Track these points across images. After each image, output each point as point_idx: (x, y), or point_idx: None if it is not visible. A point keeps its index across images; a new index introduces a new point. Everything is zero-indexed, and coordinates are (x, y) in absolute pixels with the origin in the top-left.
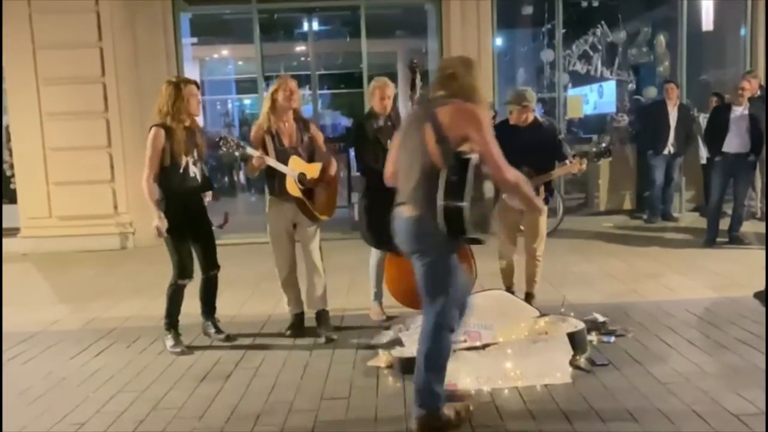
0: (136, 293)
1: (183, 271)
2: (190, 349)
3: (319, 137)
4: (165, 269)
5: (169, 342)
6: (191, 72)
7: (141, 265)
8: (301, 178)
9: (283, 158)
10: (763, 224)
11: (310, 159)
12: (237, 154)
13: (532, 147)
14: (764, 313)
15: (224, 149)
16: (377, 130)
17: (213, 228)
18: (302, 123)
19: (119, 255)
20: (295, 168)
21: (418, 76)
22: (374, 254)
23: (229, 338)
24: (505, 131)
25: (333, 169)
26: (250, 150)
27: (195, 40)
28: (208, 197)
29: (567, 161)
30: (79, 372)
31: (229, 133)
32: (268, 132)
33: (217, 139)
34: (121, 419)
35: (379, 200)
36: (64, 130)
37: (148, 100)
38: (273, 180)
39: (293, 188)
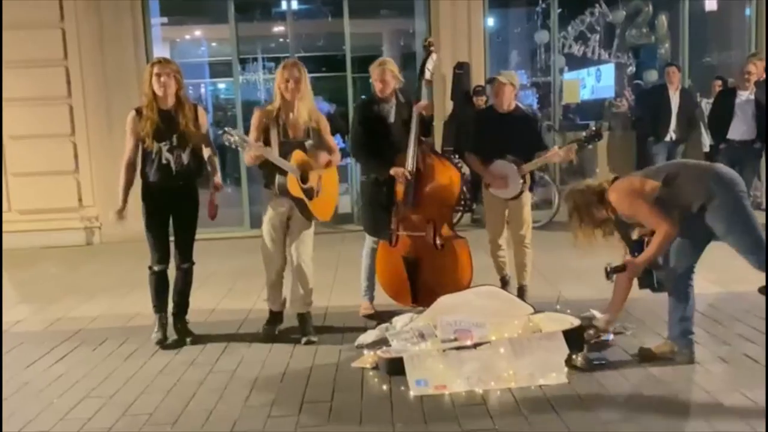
0: (103, 292)
1: (153, 257)
2: (168, 339)
3: (326, 129)
4: (133, 266)
5: (154, 327)
6: (161, 54)
7: (108, 262)
8: (304, 176)
9: (287, 151)
10: None
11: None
12: (240, 149)
13: (514, 135)
14: None
15: (226, 143)
16: (378, 114)
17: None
18: (311, 113)
19: (85, 251)
20: (298, 165)
21: (432, 57)
22: (368, 244)
23: (196, 341)
24: (487, 119)
25: (332, 165)
26: (252, 143)
27: (165, 20)
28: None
29: (552, 150)
30: (42, 376)
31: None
32: (275, 121)
33: (220, 132)
34: (87, 426)
35: (374, 186)
36: (24, 117)
37: (115, 85)
38: (272, 174)
39: (295, 188)
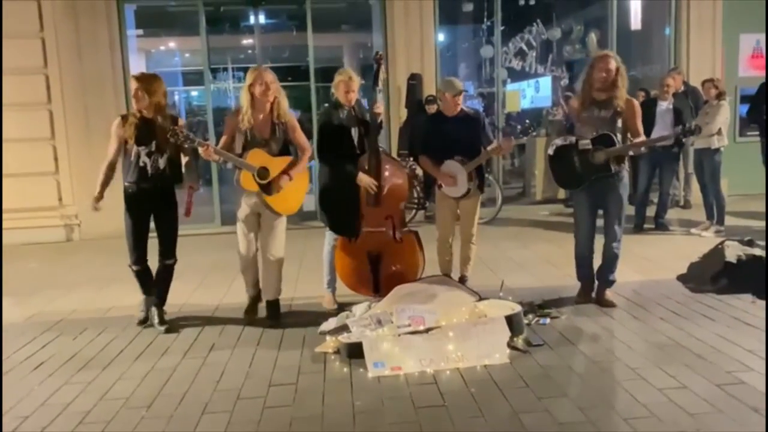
0: (83, 285)
1: (131, 257)
2: (148, 321)
3: (297, 129)
4: (111, 261)
5: (140, 306)
6: (137, 63)
7: (87, 257)
8: (262, 172)
9: (250, 149)
10: (686, 211)
11: (284, 151)
12: (186, 146)
13: (461, 136)
14: (687, 295)
15: (172, 140)
16: (344, 120)
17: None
18: (278, 112)
19: (65, 247)
20: (255, 162)
21: (383, 69)
22: (328, 240)
23: (170, 330)
24: (436, 123)
25: (302, 165)
26: (198, 142)
27: (141, 31)
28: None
29: (492, 144)
30: (24, 365)
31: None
32: (242, 124)
33: (168, 133)
34: (67, 411)
35: (340, 186)
36: (6, 122)
37: (93, 91)
38: (237, 170)
39: (248, 183)
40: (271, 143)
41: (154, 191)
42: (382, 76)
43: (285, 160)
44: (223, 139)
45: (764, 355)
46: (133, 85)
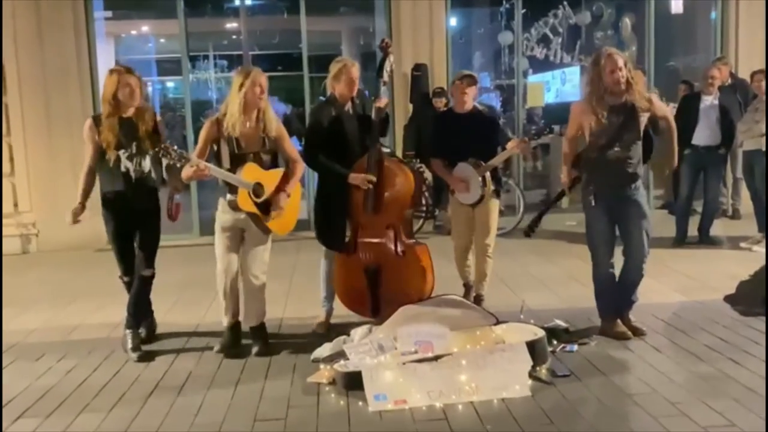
0: (41, 303)
1: (120, 268)
2: (147, 355)
3: (286, 138)
4: (72, 275)
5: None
6: (105, 50)
7: (46, 271)
8: (257, 190)
9: (239, 164)
10: (734, 222)
11: (273, 163)
12: (179, 165)
13: (474, 135)
14: (736, 319)
15: (165, 160)
16: (336, 118)
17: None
18: (265, 123)
19: (20, 260)
20: (250, 178)
21: (390, 58)
22: (326, 255)
23: (143, 358)
24: (445, 121)
25: (296, 179)
26: (193, 160)
27: (109, 14)
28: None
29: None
30: None
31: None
32: (226, 134)
33: (156, 150)
34: None
35: (327, 194)
36: None
37: (55, 82)
38: (227, 184)
39: (245, 203)
40: (261, 155)
41: (139, 197)
42: (388, 66)
43: (277, 174)
44: (199, 147)
45: None
46: (129, 79)
